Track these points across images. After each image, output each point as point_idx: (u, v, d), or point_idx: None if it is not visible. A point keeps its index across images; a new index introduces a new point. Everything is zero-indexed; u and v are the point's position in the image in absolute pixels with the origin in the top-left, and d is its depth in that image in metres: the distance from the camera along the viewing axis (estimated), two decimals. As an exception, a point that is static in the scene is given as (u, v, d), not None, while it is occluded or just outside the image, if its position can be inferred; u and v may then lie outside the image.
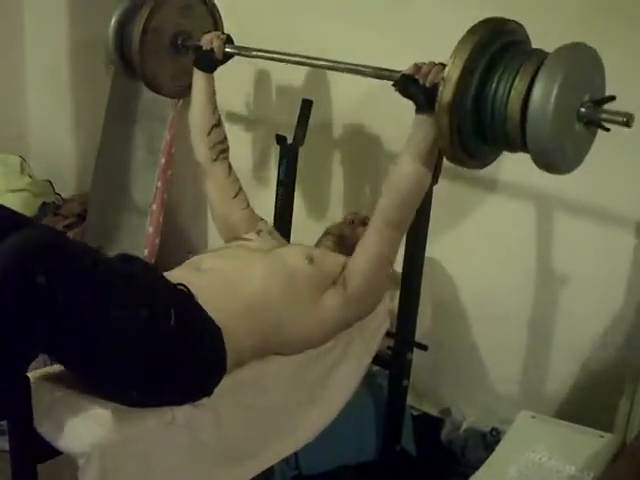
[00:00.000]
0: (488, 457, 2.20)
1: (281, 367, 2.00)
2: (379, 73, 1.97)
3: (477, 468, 2.16)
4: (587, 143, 1.63)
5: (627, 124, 1.50)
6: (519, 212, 2.50)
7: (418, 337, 2.33)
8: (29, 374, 1.63)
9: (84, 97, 3.80)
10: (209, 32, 2.38)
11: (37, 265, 1.51)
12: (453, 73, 1.58)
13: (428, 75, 1.77)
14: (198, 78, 2.37)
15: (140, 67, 2.38)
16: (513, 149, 1.66)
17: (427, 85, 1.76)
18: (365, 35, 2.69)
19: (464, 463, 2.54)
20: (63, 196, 3.78)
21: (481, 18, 2.41)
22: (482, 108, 1.62)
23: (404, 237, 2.18)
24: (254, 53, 2.33)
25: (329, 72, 2.86)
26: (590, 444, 2.20)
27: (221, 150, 2.38)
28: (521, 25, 1.71)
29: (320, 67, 2.16)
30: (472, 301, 2.68)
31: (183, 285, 1.84)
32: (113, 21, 2.41)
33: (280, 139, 2.61)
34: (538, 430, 2.29)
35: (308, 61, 2.23)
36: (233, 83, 3.07)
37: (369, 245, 2.01)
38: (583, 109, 1.54)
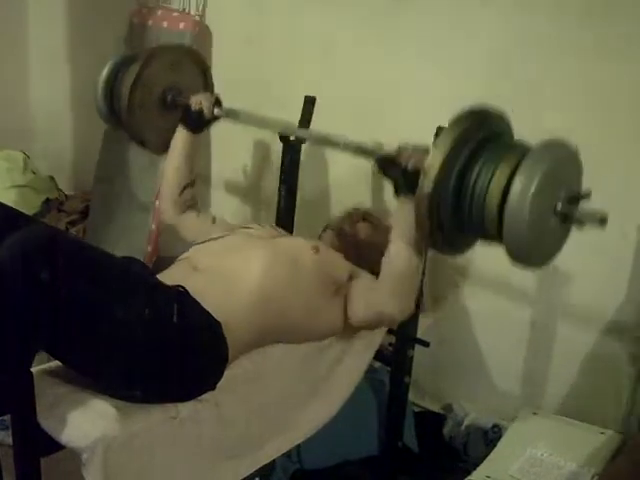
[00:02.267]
0: (489, 453, 2.21)
1: (283, 362, 2.01)
2: (361, 149, 1.97)
3: (479, 464, 2.17)
4: (561, 238, 1.64)
5: (601, 224, 1.52)
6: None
7: (419, 334, 2.34)
8: (32, 369, 1.63)
9: (87, 93, 3.79)
10: (199, 93, 2.35)
11: (40, 261, 1.52)
12: (435, 162, 1.58)
13: (410, 159, 1.77)
14: (181, 136, 2.33)
15: (127, 121, 2.34)
16: (489, 240, 1.67)
17: (408, 168, 1.76)
18: (370, 36, 2.71)
19: (465, 459, 2.55)
20: (66, 192, 3.79)
21: (485, 15, 2.46)
22: (462, 200, 1.62)
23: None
24: (242, 116, 2.30)
25: (332, 64, 2.87)
26: (591, 440, 2.20)
27: (189, 205, 2.35)
28: (504, 117, 1.72)
29: (303, 137, 2.13)
30: (474, 297, 2.68)
31: (181, 286, 1.84)
32: (104, 72, 2.38)
33: (283, 137, 2.62)
34: (539, 426, 2.29)
35: (292, 130, 2.19)
36: (234, 79, 3.09)
37: (373, 304, 1.99)
38: (560, 206, 1.55)
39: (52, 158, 3.92)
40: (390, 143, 2.75)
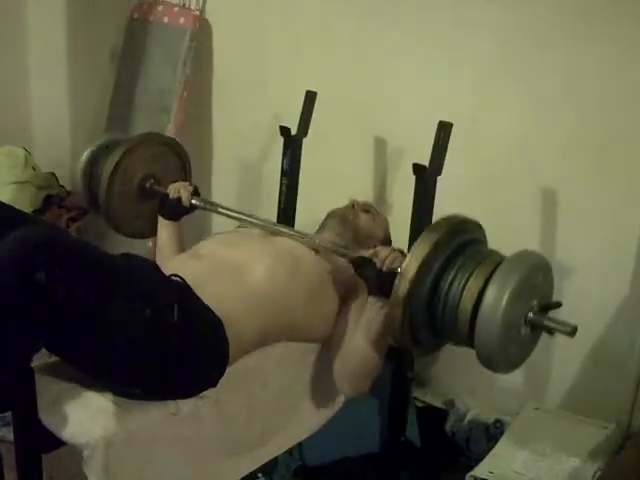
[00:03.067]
0: (492, 448, 2.21)
1: (285, 358, 2.00)
2: (337, 249, 2.00)
3: (481, 459, 2.16)
4: (531, 345, 1.66)
5: (571, 334, 1.55)
6: (523, 202, 2.50)
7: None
8: (33, 365, 1.63)
9: (88, 90, 3.80)
10: (176, 182, 2.35)
11: (36, 261, 1.51)
12: (411, 268, 1.60)
13: (385, 260, 1.78)
14: (164, 226, 2.34)
15: (105, 205, 2.34)
16: (460, 344, 1.69)
17: (383, 269, 1.77)
18: (371, 30, 2.70)
19: (468, 454, 2.54)
20: (67, 188, 3.79)
21: (485, 10, 2.46)
22: (435, 304, 1.64)
23: (407, 233, 2.20)
24: (219, 209, 2.29)
25: (329, 62, 2.86)
26: (594, 435, 2.20)
27: None
28: (480, 225, 1.74)
29: (280, 233, 2.11)
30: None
31: (178, 277, 1.83)
32: (84, 156, 2.39)
33: (284, 130, 2.61)
34: (542, 422, 2.29)
35: (270, 226, 2.18)
36: (234, 74, 3.10)
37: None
38: (531, 314, 1.58)
39: (53, 154, 3.91)
40: (390, 137, 2.77)
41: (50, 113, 4.00)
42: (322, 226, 2.31)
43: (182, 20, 3.23)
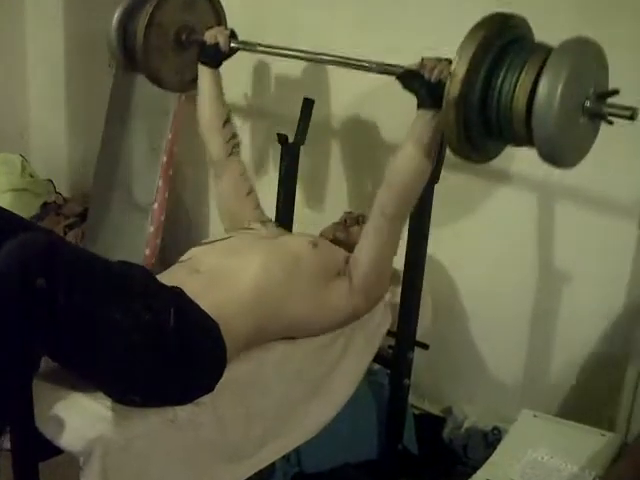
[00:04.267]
0: (490, 456, 2.20)
1: (282, 364, 2.00)
2: (384, 68, 1.98)
3: (479, 467, 2.16)
4: (591, 136, 1.64)
5: (632, 117, 1.52)
6: (520, 209, 2.50)
7: (419, 336, 2.33)
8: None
9: (85, 96, 3.80)
10: (212, 27, 2.38)
11: (37, 268, 1.51)
12: (460, 69, 1.59)
13: (433, 70, 1.78)
14: (204, 74, 2.37)
15: (144, 61, 2.37)
16: (519, 144, 1.68)
17: (432, 80, 1.77)
18: (370, 29, 2.70)
19: (466, 462, 2.54)
20: (64, 195, 3.79)
21: (485, 10, 2.45)
22: (488, 103, 1.63)
23: (405, 234, 2.19)
24: (258, 48, 2.33)
25: (330, 69, 2.86)
26: (592, 443, 2.19)
27: (235, 144, 2.40)
28: (525, 19, 1.72)
29: (324, 62, 2.17)
30: (473, 299, 2.68)
31: (177, 288, 1.84)
32: (117, 15, 2.39)
33: (281, 138, 2.61)
34: (540, 429, 2.28)
35: (311, 56, 2.22)
36: (233, 79, 3.07)
37: (371, 235, 2.05)
38: (588, 103, 1.55)
39: (50, 161, 3.92)
40: (389, 141, 2.77)
41: (47, 120, 4.00)
42: None
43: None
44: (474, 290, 2.67)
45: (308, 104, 2.63)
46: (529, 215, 2.48)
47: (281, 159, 2.63)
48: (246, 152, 3.22)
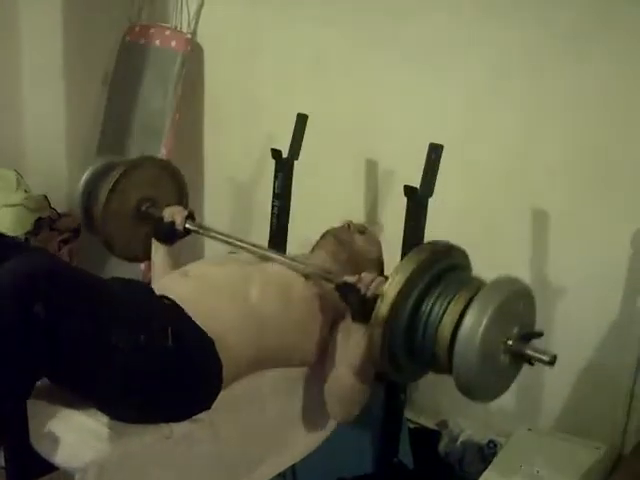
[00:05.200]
0: (485, 470, 2.21)
1: (279, 381, 2.00)
2: (324, 275, 1.99)
3: (474, 481, 2.16)
4: (511, 374, 1.65)
5: (551, 363, 1.54)
6: (515, 221, 2.51)
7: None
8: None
9: (80, 112, 3.81)
10: (171, 206, 2.36)
11: (34, 294, 1.51)
12: (391, 291, 1.60)
13: (369, 285, 1.78)
14: (158, 248, 2.34)
15: (101, 225, 2.36)
16: (438, 371, 1.69)
17: (367, 295, 1.77)
18: (362, 46, 2.72)
19: (461, 476, 2.54)
20: (59, 211, 3.78)
21: (477, 32, 2.48)
22: (415, 327, 1.63)
23: (400, 245, 2.20)
24: (212, 234, 2.29)
25: (321, 84, 2.88)
26: (587, 456, 2.20)
27: None
28: (464, 252, 1.75)
29: (272, 259, 2.12)
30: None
31: (167, 298, 1.84)
32: (84, 177, 2.41)
33: (275, 153, 2.62)
34: (535, 442, 2.29)
35: (261, 252, 2.16)
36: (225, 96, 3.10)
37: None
38: (510, 342, 1.56)
39: (45, 177, 3.91)
40: (381, 159, 2.78)
41: (42, 135, 4.00)
42: (317, 245, 2.31)
43: (174, 43, 3.25)
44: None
45: (302, 119, 2.64)
46: (524, 228, 2.49)
47: (275, 174, 2.63)
48: (240, 168, 3.24)
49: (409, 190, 2.18)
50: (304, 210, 2.78)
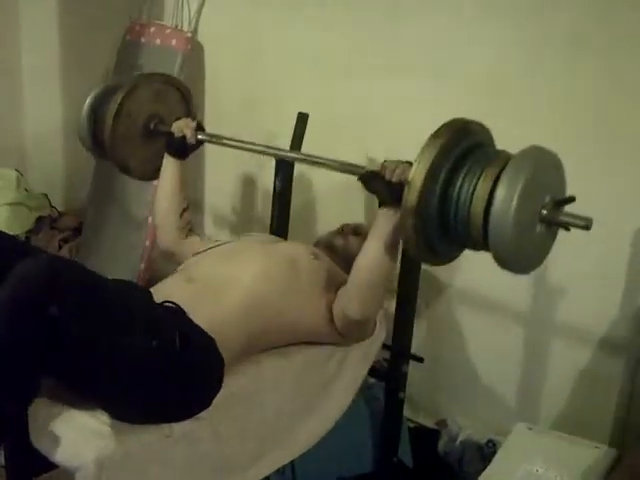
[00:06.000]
0: (485, 469, 2.20)
1: (279, 378, 2.01)
2: (345, 168, 1.99)
3: (474, 480, 2.16)
4: (548, 243, 1.65)
5: (586, 228, 1.54)
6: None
7: (414, 349, 2.34)
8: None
9: (80, 111, 3.81)
10: (180, 119, 2.35)
11: (48, 296, 1.52)
12: (417, 177, 1.59)
13: (394, 172, 1.78)
14: (168, 164, 2.34)
15: (111, 150, 2.35)
16: (476, 249, 1.68)
17: (393, 180, 1.78)
18: (362, 46, 2.72)
19: (461, 475, 2.54)
20: (59, 210, 3.79)
21: (477, 32, 2.48)
22: (446, 210, 1.63)
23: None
24: (224, 141, 2.31)
25: (323, 83, 2.88)
26: (586, 456, 2.20)
27: (189, 229, 2.36)
28: (484, 127, 1.73)
29: (287, 159, 2.14)
30: (467, 312, 2.68)
31: (171, 302, 1.85)
32: (87, 104, 2.39)
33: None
34: (534, 442, 2.29)
35: (274, 152, 2.20)
36: (226, 95, 3.10)
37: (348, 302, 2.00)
38: (544, 211, 1.56)
39: (45, 176, 3.92)
40: (382, 159, 2.78)
41: (42, 134, 4.00)
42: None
43: (174, 42, 3.25)
44: (468, 303, 2.68)
45: (302, 118, 2.64)
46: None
47: (276, 173, 2.63)
48: (239, 169, 3.24)
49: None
50: (304, 210, 2.78)
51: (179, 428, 1.74)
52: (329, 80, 2.90)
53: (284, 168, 2.61)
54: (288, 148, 2.59)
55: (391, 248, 1.87)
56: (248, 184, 3.24)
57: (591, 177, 2.31)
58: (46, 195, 3.74)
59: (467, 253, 2.58)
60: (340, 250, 2.28)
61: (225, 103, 3.28)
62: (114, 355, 1.62)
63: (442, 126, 1.65)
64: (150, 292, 1.94)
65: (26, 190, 3.65)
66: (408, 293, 2.27)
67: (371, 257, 1.90)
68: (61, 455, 1.62)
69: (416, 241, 1.64)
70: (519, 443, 2.29)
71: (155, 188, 3.09)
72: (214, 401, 1.79)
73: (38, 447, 1.64)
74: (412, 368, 2.36)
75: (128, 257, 3.27)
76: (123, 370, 1.64)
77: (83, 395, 1.71)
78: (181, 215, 2.33)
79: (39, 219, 3.63)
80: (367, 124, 2.79)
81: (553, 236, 1.64)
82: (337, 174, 2.82)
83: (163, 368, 1.69)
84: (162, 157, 2.36)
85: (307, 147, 2.64)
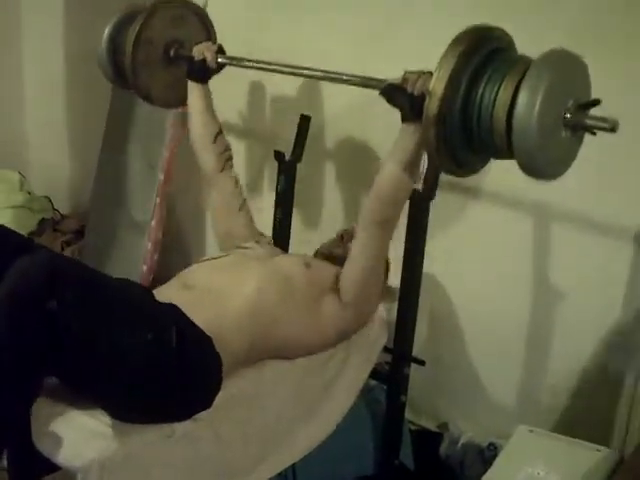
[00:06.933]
0: (486, 472, 2.20)
1: (280, 381, 2.01)
2: (367, 82, 1.97)
3: (475, 483, 2.16)
4: (574, 148, 1.63)
5: (612, 130, 1.51)
6: (516, 225, 2.51)
7: (415, 352, 2.34)
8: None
9: (83, 113, 3.82)
10: (200, 43, 2.38)
11: (48, 291, 1.52)
12: (438, 85, 1.58)
13: (416, 83, 1.77)
14: (193, 88, 2.37)
15: (133, 79, 2.36)
16: (500, 157, 1.67)
17: (415, 93, 1.76)
18: (364, 46, 2.71)
19: (462, 478, 2.54)
20: (61, 212, 3.80)
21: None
22: (468, 118, 1.62)
23: (402, 251, 2.20)
24: (246, 63, 2.35)
25: (324, 84, 2.88)
26: (588, 458, 2.19)
27: (227, 158, 2.38)
28: (505, 32, 1.71)
29: (309, 77, 2.17)
30: (469, 316, 2.68)
31: (172, 304, 1.85)
32: (106, 33, 2.40)
33: (278, 155, 2.62)
34: (536, 444, 2.28)
35: (298, 71, 2.22)
36: (227, 97, 3.08)
37: (357, 253, 2.04)
38: (568, 115, 1.53)
39: (48, 178, 3.92)
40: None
41: (45, 137, 4.01)
42: None
43: (177, 45, 3.24)
44: (470, 306, 2.68)
45: (305, 120, 2.64)
46: (525, 231, 2.49)
47: (278, 176, 2.64)
48: (242, 170, 3.24)
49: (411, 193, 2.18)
50: (306, 212, 2.78)
51: (180, 428, 1.74)
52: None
53: (287, 168, 2.61)
54: (289, 153, 2.60)
55: (412, 166, 1.87)
56: (250, 188, 3.24)
57: (591, 178, 2.31)
58: (49, 198, 3.75)
59: (466, 257, 2.62)
60: (340, 258, 2.27)
61: (230, 102, 3.28)
62: (113, 353, 1.62)
63: (462, 33, 1.64)
64: (150, 290, 1.94)
65: (29, 193, 3.66)
66: (410, 296, 2.27)
67: (391, 174, 1.90)
68: (62, 456, 1.62)
69: (438, 151, 1.63)
70: (520, 446, 2.29)
71: (159, 187, 3.15)
72: (215, 403, 1.79)
73: (40, 448, 1.64)
74: (413, 371, 2.36)
75: (130, 259, 3.27)
76: (122, 368, 1.64)
77: (83, 394, 1.71)
78: (215, 138, 2.35)
79: (42, 222, 3.63)
80: (368, 124, 2.79)
81: (579, 141, 1.62)
82: (339, 176, 2.83)
83: (161, 364, 1.69)
84: (185, 84, 2.38)
85: (309, 149, 2.64)
